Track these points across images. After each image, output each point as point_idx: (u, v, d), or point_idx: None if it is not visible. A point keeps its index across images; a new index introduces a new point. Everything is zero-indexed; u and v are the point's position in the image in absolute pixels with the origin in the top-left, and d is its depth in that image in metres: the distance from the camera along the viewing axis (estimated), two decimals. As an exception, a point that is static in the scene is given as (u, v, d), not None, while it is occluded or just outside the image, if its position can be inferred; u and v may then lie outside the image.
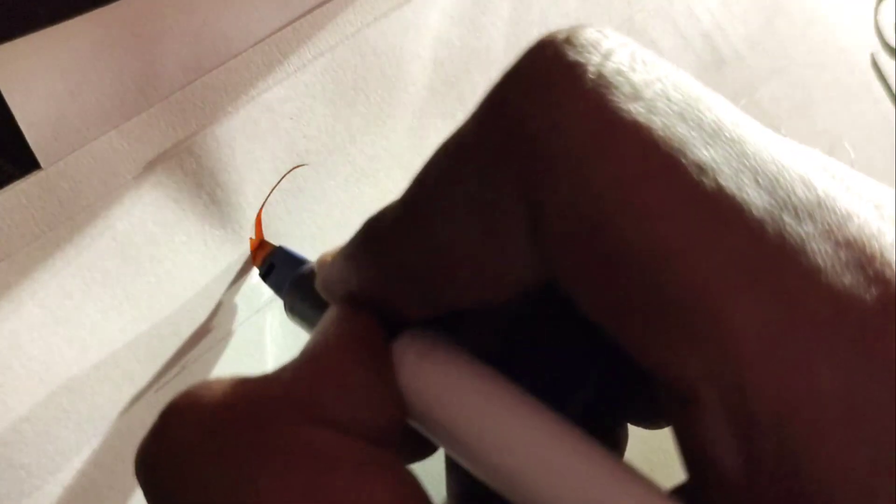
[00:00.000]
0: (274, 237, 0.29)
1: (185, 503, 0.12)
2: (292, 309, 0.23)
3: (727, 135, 0.11)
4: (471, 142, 0.12)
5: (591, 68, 0.11)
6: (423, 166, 0.14)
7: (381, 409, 0.13)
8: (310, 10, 0.31)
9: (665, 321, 0.10)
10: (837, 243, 0.10)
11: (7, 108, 0.27)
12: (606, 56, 0.12)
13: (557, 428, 0.13)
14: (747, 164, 0.11)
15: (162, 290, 0.27)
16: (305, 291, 0.22)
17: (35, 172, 0.27)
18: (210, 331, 0.28)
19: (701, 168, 0.11)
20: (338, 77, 0.31)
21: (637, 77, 0.11)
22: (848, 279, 0.10)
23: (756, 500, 0.10)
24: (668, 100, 0.11)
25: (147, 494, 0.13)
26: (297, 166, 0.30)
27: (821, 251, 0.10)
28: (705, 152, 0.11)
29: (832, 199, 0.11)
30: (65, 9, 0.28)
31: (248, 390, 0.13)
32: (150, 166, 0.28)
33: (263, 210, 0.29)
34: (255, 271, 0.28)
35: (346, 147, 0.30)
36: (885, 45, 0.40)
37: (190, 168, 0.28)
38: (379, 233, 0.14)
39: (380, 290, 0.14)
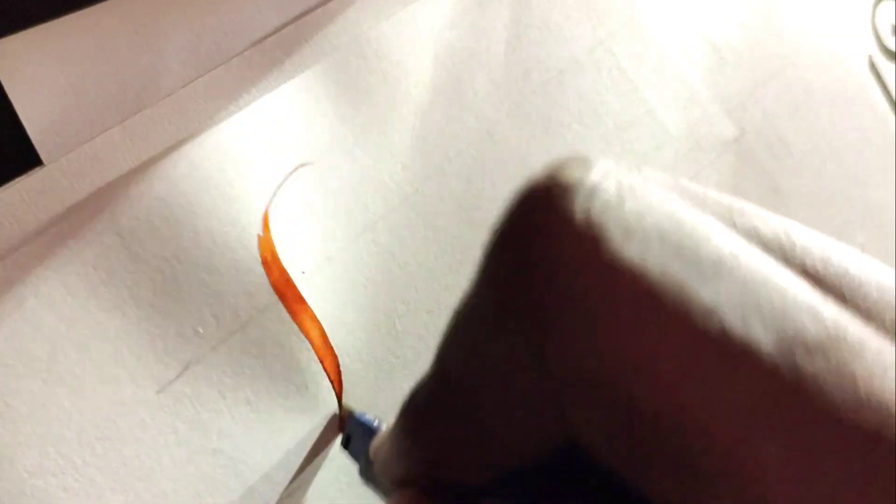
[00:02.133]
0: (281, 234, 0.29)
1: None
2: (367, 480, 0.24)
3: (727, 268, 0.10)
4: (477, 308, 0.12)
5: (578, 214, 0.11)
6: (442, 338, 0.14)
7: None
8: (311, 10, 0.31)
9: (686, 475, 0.10)
10: (853, 378, 0.10)
11: (9, 103, 0.27)
12: (594, 193, 0.11)
13: None
14: (751, 299, 0.10)
15: (167, 288, 0.27)
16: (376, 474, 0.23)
17: (37, 169, 0.26)
18: (215, 329, 0.28)
19: (703, 311, 0.10)
20: (341, 77, 0.30)
21: (627, 210, 0.11)
22: (867, 415, 0.10)
23: None
24: (661, 235, 0.11)
25: None
26: (304, 164, 0.29)
27: (838, 388, 0.10)
28: (706, 291, 0.10)
29: (843, 331, 0.10)
30: (68, 3, 0.27)
31: None
32: (156, 162, 0.27)
33: (271, 206, 0.29)
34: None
35: (350, 147, 0.30)
36: (883, 47, 0.41)
37: (197, 163, 0.28)
38: (415, 415, 0.14)
39: (428, 467, 0.15)
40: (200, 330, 0.28)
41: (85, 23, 0.27)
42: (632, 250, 0.10)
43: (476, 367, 0.12)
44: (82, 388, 0.26)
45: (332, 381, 0.29)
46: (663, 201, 0.11)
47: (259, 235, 0.28)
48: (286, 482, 0.28)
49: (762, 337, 0.10)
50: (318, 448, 0.29)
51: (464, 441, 0.13)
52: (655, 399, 0.10)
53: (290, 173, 0.29)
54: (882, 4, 0.41)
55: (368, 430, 0.26)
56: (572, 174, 0.11)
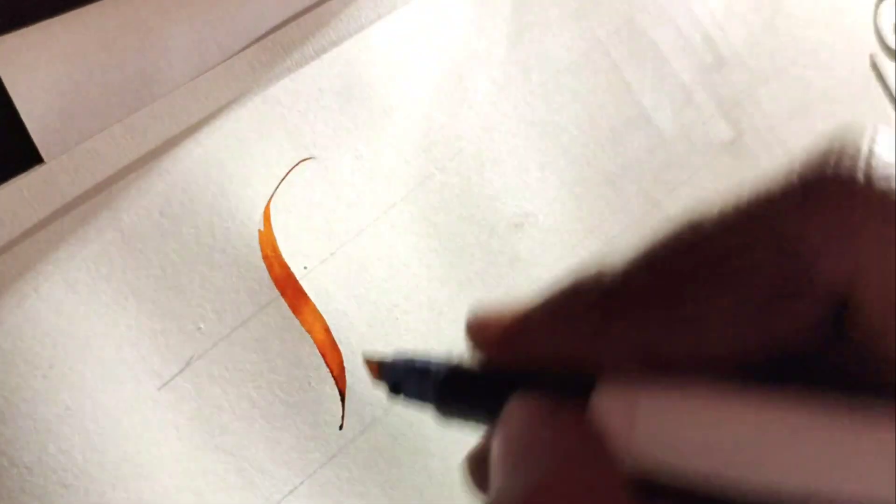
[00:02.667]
0: (282, 229, 0.29)
1: None
2: (448, 414, 0.22)
3: None
4: (767, 218, 0.13)
5: (884, 180, 0.12)
6: (667, 236, 0.14)
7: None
8: (313, 6, 0.31)
9: None
10: None
11: (10, 101, 0.27)
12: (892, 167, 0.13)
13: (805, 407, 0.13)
14: None
15: (168, 284, 0.27)
16: (458, 394, 0.21)
17: (38, 166, 0.26)
18: (217, 325, 0.28)
19: None
20: (345, 72, 0.30)
21: None
22: None
23: None
24: None
25: None
26: (305, 159, 0.29)
27: None
28: None
29: None
30: (68, 1, 0.28)
31: None
32: (157, 158, 0.27)
33: (272, 202, 0.29)
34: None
35: (352, 141, 0.30)
36: (885, 46, 0.41)
37: (198, 159, 0.28)
38: (610, 298, 0.14)
39: (598, 358, 0.14)
40: (202, 326, 0.28)
41: (86, 20, 0.27)
42: None
43: (712, 270, 0.13)
44: (83, 385, 0.26)
45: (334, 377, 0.29)
46: None
47: (260, 231, 0.28)
48: (288, 478, 0.28)
49: None
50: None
51: (665, 328, 0.14)
52: None
53: (292, 168, 0.29)
54: (884, 3, 0.41)
55: (419, 370, 0.24)
56: (877, 144, 0.13)
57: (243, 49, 0.29)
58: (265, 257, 0.28)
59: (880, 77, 0.41)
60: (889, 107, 0.41)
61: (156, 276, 0.27)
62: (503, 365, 0.17)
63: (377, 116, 0.31)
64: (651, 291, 0.14)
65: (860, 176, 0.12)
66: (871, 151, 0.13)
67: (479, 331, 0.17)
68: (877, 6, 0.41)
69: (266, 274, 0.28)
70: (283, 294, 0.28)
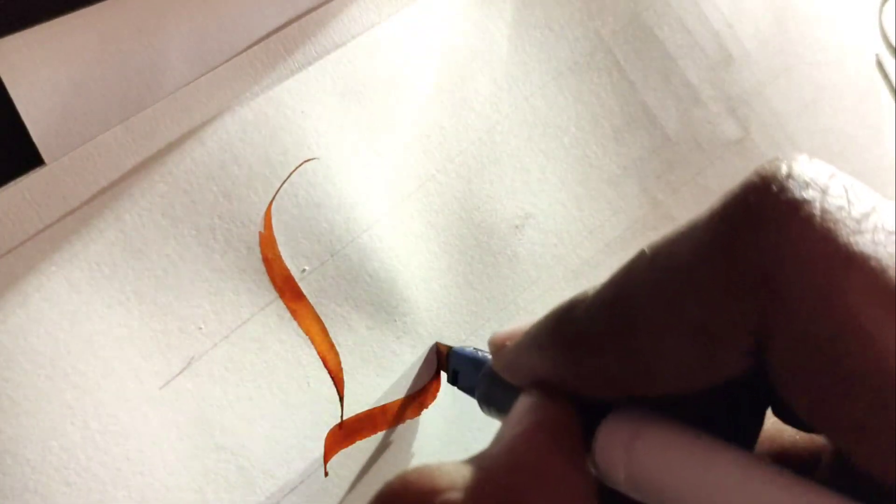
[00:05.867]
0: (283, 231, 0.29)
1: None
2: (490, 406, 0.24)
3: None
4: (694, 270, 0.13)
5: (815, 206, 0.12)
6: (626, 272, 0.15)
7: (578, 499, 0.14)
8: (314, 8, 0.31)
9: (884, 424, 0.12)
10: None
11: (11, 102, 0.27)
12: (825, 191, 0.13)
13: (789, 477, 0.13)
14: None
15: (169, 284, 0.27)
16: (498, 389, 0.23)
17: (39, 168, 0.27)
18: (217, 325, 0.28)
19: None
20: (347, 73, 0.31)
21: (855, 211, 0.12)
22: None
23: None
24: (885, 230, 0.12)
25: None
26: (307, 160, 0.29)
27: None
28: None
29: None
30: (70, 2, 0.28)
31: (458, 485, 0.14)
32: (158, 159, 0.27)
33: (273, 204, 0.29)
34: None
35: (355, 142, 0.30)
36: (890, 46, 0.40)
37: (200, 160, 0.28)
38: (575, 333, 0.15)
39: (571, 384, 0.15)
40: (202, 326, 0.28)
41: (87, 21, 0.27)
42: (862, 240, 0.12)
43: (675, 323, 0.14)
44: (85, 384, 0.26)
45: (333, 378, 0.29)
46: (879, 201, 0.13)
47: (261, 233, 0.28)
48: (288, 477, 0.28)
49: None
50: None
51: (620, 371, 0.15)
52: (877, 365, 0.11)
53: (294, 170, 0.29)
54: (889, 3, 0.41)
55: (475, 362, 0.27)
56: (808, 170, 0.13)
57: (245, 50, 0.29)
58: (265, 259, 0.28)
59: (885, 76, 0.40)
60: (893, 105, 0.40)
61: (157, 276, 0.27)
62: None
63: (379, 118, 0.31)
64: (610, 327, 0.15)
65: (778, 213, 0.13)
66: (790, 188, 0.13)
67: (492, 346, 0.19)
68: (881, 6, 0.41)
69: (266, 276, 0.28)
70: (281, 296, 0.29)
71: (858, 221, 0.12)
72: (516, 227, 0.32)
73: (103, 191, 0.27)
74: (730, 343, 0.13)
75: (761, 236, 0.13)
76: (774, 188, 0.13)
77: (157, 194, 0.27)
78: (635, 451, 0.15)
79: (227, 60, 0.29)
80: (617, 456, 0.15)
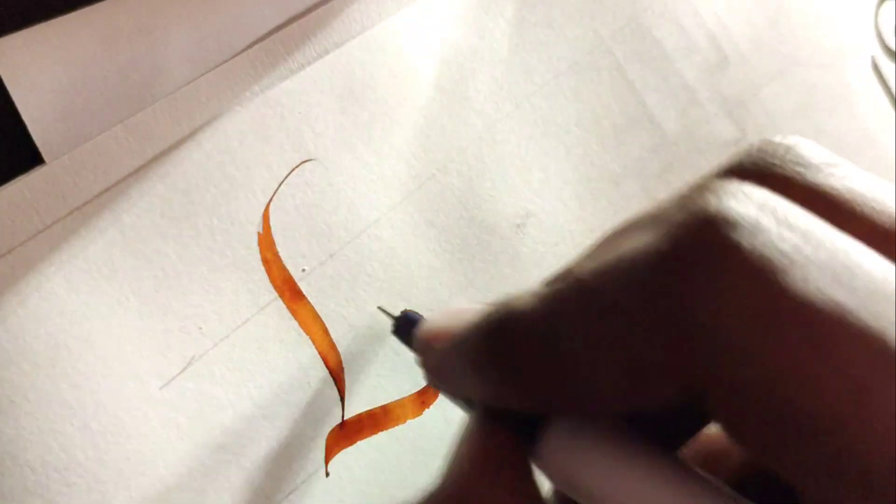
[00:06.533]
0: (282, 231, 0.29)
1: None
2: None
3: (883, 292, 0.12)
4: (625, 304, 0.13)
5: (747, 248, 0.12)
6: (560, 292, 0.14)
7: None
8: (314, 7, 0.31)
9: (844, 481, 0.11)
10: None
11: (11, 101, 0.27)
12: (756, 228, 0.12)
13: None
14: None
15: (169, 284, 0.27)
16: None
17: (39, 167, 0.27)
18: (217, 325, 0.28)
19: (862, 332, 0.11)
20: (346, 73, 0.31)
21: (787, 245, 0.12)
22: None
23: None
24: (819, 264, 0.12)
25: None
26: (305, 161, 0.29)
27: None
28: (865, 314, 0.11)
29: None
30: (70, 1, 0.28)
31: None
32: (158, 159, 0.27)
33: (271, 204, 0.29)
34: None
35: (353, 143, 0.30)
36: (885, 48, 0.41)
37: (199, 161, 0.28)
38: (508, 348, 0.15)
39: (504, 399, 0.16)
40: (202, 326, 0.28)
41: (87, 21, 0.27)
42: (795, 279, 0.12)
43: (606, 347, 0.13)
44: (85, 384, 0.26)
45: (333, 378, 0.29)
46: (813, 229, 0.13)
47: (259, 233, 0.28)
48: (288, 478, 0.28)
49: None
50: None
51: (555, 388, 0.14)
52: (816, 407, 0.11)
53: (293, 170, 0.29)
54: (885, 5, 0.41)
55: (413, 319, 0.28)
56: (741, 209, 0.13)
57: (244, 50, 0.29)
58: (264, 260, 0.28)
59: (881, 78, 0.41)
60: (889, 108, 0.41)
61: (157, 276, 0.27)
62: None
63: (378, 117, 0.31)
64: (542, 351, 0.14)
65: (725, 245, 0.12)
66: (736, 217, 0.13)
67: (418, 343, 0.19)
68: (877, 7, 0.41)
69: (265, 276, 0.28)
70: (281, 296, 0.29)
71: (791, 257, 0.12)
72: (517, 225, 0.33)
73: (103, 191, 0.27)
74: (661, 385, 0.13)
75: (692, 284, 0.12)
76: (707, 235, 0.12)
77: (155, 195, 0.27)
78: (576, 465, 0.15)
79: (226, 60, 0.29)
80: (559, 464, 0.16)
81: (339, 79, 0.30)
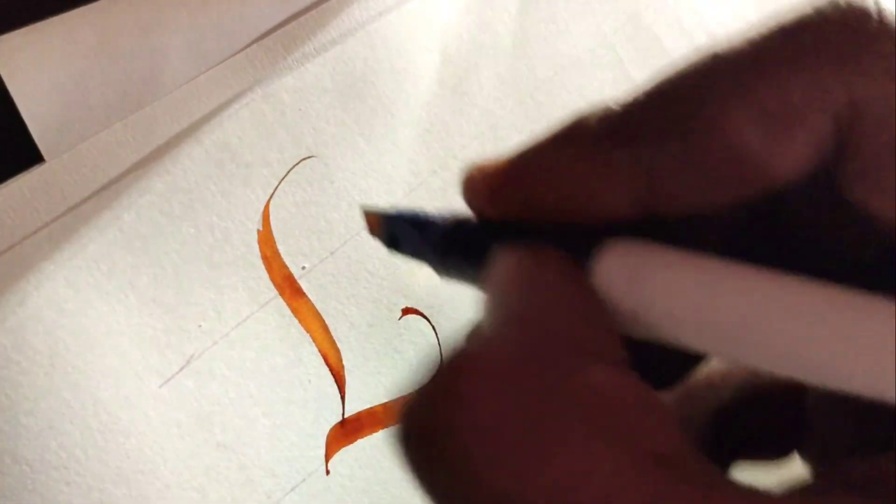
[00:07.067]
0: (282, 229, 0.29)
1: (487, 466, 0.12)
2: (449, 271, 0.20)
3: None
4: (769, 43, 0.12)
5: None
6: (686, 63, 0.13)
7: (616, 336, 0.12)
8: (314, 5, 0.31)
9: None
10: None
11: (11, 100, 0.27)
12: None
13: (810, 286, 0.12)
14: None
15: (168, 282, 0.27)
16: (460, 249, 0.19)
17: (38, 165, 0.27)
18: (217, 323, 0.28)
19: None
20: (347, 69, 0.30)
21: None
22: None
23: None
24: None
25: (433, 460, 0.13)
26: (306, 158, 0.29)
27: None
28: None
29: None
30: (69, 0, 0.28)
31: (522, 342, 0.12)
32: (157, 158, 0.27)
33: (271, 202, 0.29)
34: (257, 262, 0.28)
35: (354, 139, 0.30)
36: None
37: (198, 158, 0.28)
38: (630, 123, 0.13)
39: (630, 189, 0.13)
40: (202, 324, 0.28)
41: (87, 19, 0.27)
42: None
43: (742, 105, 0.12)
44: (85, 382, 0.26)
45: (334, 375, 0.29)
46: None
47: (259, 231, 0.28)
48: (289, 476, 0.28)
49: None
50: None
51: (680, 161, 0.13)
52: None
53: (293, 167, 0.29)
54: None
55: (418, 221, 0.23)
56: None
57: (244, 48, 0.29)
58: (264, 257, 0.28)
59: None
60: None
61: (156, 274, 0.27)
62: (500, 219, 0.15)
63: (379, 113, 0.31)
64: (659, 119, 0.13)
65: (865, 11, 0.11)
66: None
67: (474, 183, 0.16)
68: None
69: (265, 273, 0.28)
70: (281, 293, 0.29)
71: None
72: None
73: (102, 189, 0.27)
74: (804, 126, 0.12)
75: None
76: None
77: (155, 193, 0.27)
78: (644, 278, 0.13)
79: (226, 58, 0.29)
80: (621, 284, 0.13)
81: (339, 75, 0.30)
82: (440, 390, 0.12)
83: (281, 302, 0.29)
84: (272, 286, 0.29)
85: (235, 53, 0.29)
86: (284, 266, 0.29)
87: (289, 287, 0.29)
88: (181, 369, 0.27)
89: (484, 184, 0.15)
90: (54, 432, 0.25)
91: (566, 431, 0.11)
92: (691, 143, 0.12)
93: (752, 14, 0.38)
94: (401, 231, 0.22)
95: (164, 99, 0.28)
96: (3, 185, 0.26)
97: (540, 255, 0.13)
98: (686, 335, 0.13)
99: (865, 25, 0.11)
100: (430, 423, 0.12)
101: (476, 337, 0.13)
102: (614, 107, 0.13)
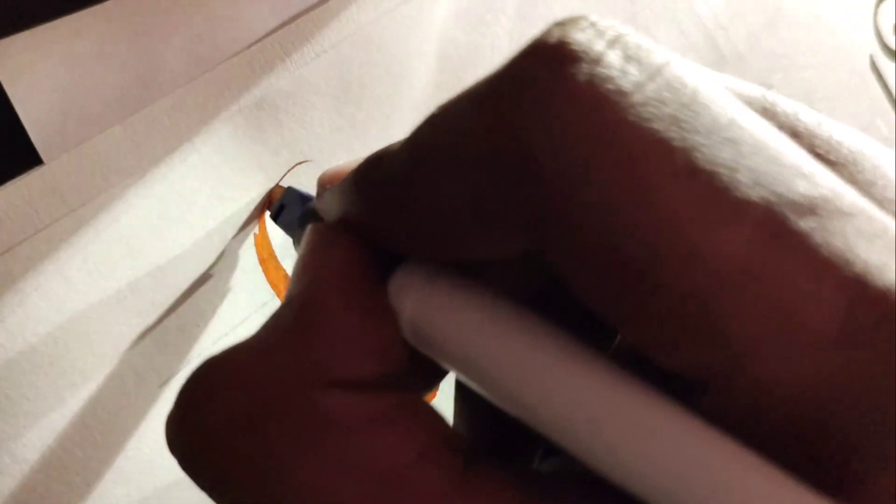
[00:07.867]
0: (278, 232, 0.29)
1: (221, 482, 0.12)
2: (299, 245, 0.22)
3: (724, 135, 0.11)
4: (470, 134, 0.12)
5: (580, 78, 0.11)
6: (422, 128, 0.13)
7: (381, 355, 0.13)
8: (311, 8, 0.31)
9: (672, 322, 0.10)
10: (843, 237, 0.10)
11: (9, 102, 0.27)
12: (597, 61, 0.11)
13: (580, 350, 0.12)
14: (748, 161, 0.11)
15: (166, 283, 0.27)
16: (306, 223, 0.21)
17: (37, 168, 0.27)
18: (216, 324, 0.28)
19: (694, 169, 0.10)
20: (342, 73, 0.31)
21: (628, 81, 0.11)
22: (845, 272, 0.10)
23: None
24: (662, 102, 0.11)
25: (186, 468, 0.13)
26: (301, 163, 0.30)
27: (828, 244, 0.10)
28: (701, 154, 0.11)
29: (838, 196, 0.11)
30: (68, 3, 0.28)
31: (257, 363, 0.13)
32: (155, 161, 0.28)
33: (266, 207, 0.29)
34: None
35: (350, 143, 0.30)
36: (884, 46, 0.41)
37: (193, 163, 0.28)
38: (373, 178, 0.14)
39: (366, 230, 0.14)
40: (201, 325, 0.28)
41: (85, 23, 0.28)
42: (630, 114, 0.11)
43: (454, 180, 0.12)
44: (84, 382, 0.26)
45: None
46: (665, 69, 0.12)
47: (255, 235, 0.29)
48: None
49: (755, 196, 0.10)
50: None
51: (410, 225, 0.13)
52: (655, 246, 0.10)
53: (288, 171, 0.29)
54: (884, 4, 0.41)
55: (303, 198, 0.25)
56: (582, 37, 0.12)
57: (241, 51, 0.29)
58: (261, 260, 0.29)
59: (880, 77, 0.41)
60: (888, 106, 0.41)
61: (154, 276, 0.27)
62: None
63: (375, 117, 0.31)
64: (404, 180, 0.13)
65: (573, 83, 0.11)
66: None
67: (319, 185, 0.18)
68: (876, 7, 0.41)
69: (262, 276, 0.29)
70: (279, 296, 0.29)
71: (629, 93, 0.11)
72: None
73: (100, 191, 0.27)
74: (503, 228, 0.12)
75: (524, 111, 0.11)
76: (542, 59, 0.11)
77: (152, 196, 0.27)
78: (426, 294, 0.13)
79: (223, 62, 0.29)
80: (406, 297, 0.13)
81: (334, 78, 0.30)
82: (185, 391, 0.13)
83: (278, 303, 0.29)
84: (269, 289, 0.29)
85: (232, 57, 0.29)
86: (281, 268, 0.29)
87: (285, 289, 0.29)
88: (181, 369, 0.27)
89: (326, 179, 0.17)
90: (54, 433, 0.26)
91: (299, 453, 0.12)
92: (424, 214, 0.13)
93: (752, 14, 0.38)
94: (289, 203, 0.24)
95: (162, 102, 0.28)
96: (2, 187, 0.26)
97: (334, 238, 0.14)
98: (449, 361, 0.13)
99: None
100: (179, 423, 0.13)
101: (238, 343, 0.13)
102: (386, 161, 0.14)
